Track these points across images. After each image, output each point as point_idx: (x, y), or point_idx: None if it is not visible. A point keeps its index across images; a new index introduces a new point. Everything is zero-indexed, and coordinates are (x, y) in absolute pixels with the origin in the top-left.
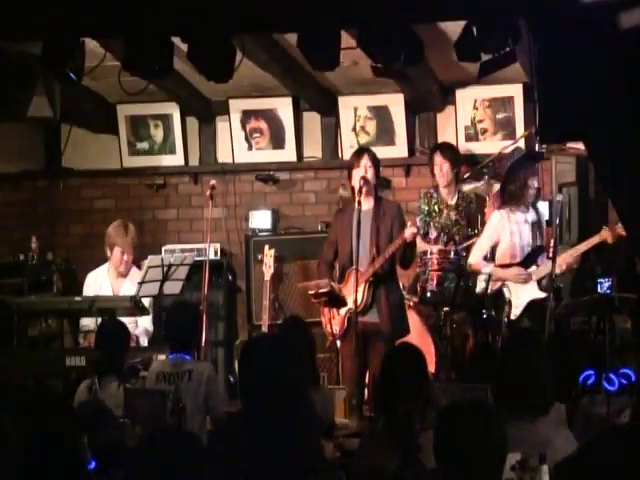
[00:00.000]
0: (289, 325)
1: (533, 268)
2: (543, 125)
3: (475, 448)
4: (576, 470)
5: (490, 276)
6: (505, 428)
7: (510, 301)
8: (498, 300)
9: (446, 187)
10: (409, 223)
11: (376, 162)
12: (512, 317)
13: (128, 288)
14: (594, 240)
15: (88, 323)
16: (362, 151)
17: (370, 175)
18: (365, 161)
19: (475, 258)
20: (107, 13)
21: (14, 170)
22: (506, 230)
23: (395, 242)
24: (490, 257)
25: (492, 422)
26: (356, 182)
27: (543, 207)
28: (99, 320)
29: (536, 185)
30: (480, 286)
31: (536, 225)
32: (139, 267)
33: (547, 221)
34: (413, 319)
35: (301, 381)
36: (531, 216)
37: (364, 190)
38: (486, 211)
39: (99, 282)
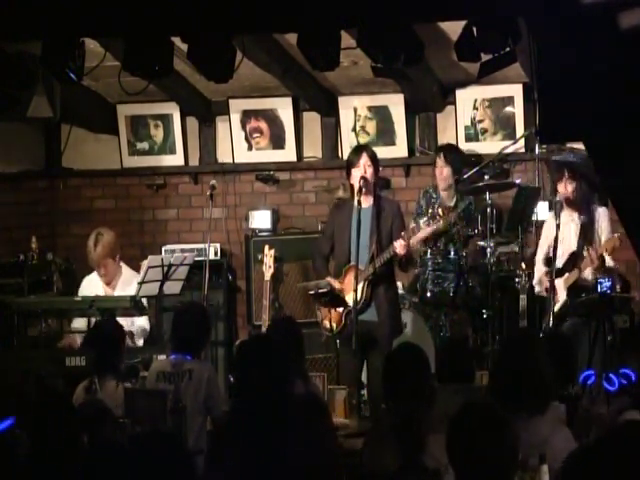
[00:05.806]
0: (277, 325)
1: (566, 275)
2: (543, 125)
3: (490, 450)
4: (587, 466)
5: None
6: (517, 430)
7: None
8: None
9: (445, 190)
10: (408, 230)
11: (375, 160)
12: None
13: (120, 289)
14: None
15: (78, 325)
16: (360, 149)
17: (369, 174)
18: (364, 160)
19: (537, 258)
20: (107, 13)
21: (14, 170)
22: (551, 231)
23: (389, 250)
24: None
25: (506, 424)
26: (355, 181)
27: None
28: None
29: (570, 189)
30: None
31: (584, 228)
32: (134, 267)
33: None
34: (413, 319)
35: (288, 380)
36: (582, 219)
37: (364, 190)
38: None
39: (92, 289)
